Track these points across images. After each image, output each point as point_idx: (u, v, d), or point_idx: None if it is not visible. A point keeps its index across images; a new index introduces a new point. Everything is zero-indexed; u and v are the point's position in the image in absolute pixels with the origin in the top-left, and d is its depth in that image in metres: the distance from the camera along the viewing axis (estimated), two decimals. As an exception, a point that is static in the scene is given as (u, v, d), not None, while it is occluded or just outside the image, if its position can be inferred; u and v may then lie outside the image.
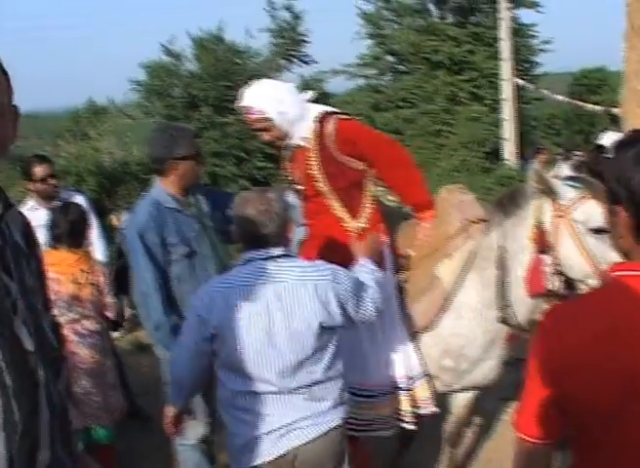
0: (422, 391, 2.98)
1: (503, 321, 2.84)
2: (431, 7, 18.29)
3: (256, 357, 2.20)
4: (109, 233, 5.69)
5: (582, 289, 2.70)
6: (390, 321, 2.89)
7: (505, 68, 15.26)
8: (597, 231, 2.58)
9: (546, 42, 18.95)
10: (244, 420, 2.25)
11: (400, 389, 2.93)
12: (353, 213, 2.87)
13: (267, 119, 2.79)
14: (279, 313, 2.20)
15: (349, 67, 17.79)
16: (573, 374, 1.29)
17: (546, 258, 2.69)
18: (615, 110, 15.40)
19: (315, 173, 2.83)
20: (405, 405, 2.93)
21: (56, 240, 3.48)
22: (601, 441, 1.30)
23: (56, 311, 3.28)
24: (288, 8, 16.09)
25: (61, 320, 3.35)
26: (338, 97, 18.57)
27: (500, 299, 2.82)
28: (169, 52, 14.94)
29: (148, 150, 3.03)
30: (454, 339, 2.91)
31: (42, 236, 4.04)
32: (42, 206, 4.19)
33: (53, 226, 3.49)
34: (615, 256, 2.50)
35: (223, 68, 14.34)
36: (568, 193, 2.65)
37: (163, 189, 2.89)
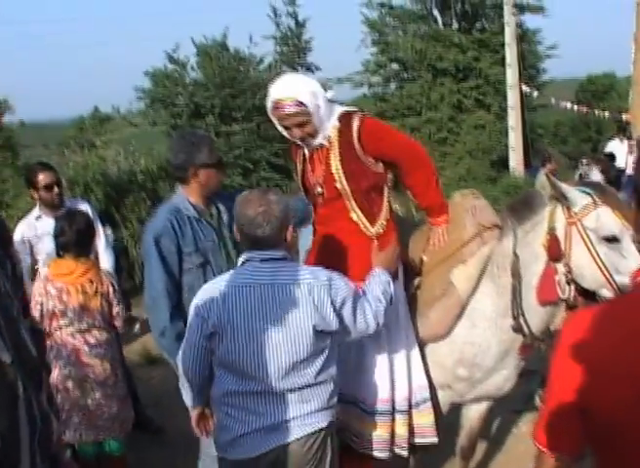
0: (425, 417, 2.89)
1: (518, 330, 2.80)
2: (436, 13, 18.25)
3: (250, 357, 2.23)
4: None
5: (599, 298, 2.64)
6: (397, 334, 2.83)
7: (511, 75, 15.20)
8: (609, 239, 2.53)
9: (552, 48, 18.94)
10: (234, 417, 2.29)
11: (400, 411, 2.84)
12: (371, 218, 2.80)
13: (305, 113, 2.66)
14: (274, 314, 2.22)
15: (354, 75, 17.77)
16: (594, 382, 1.26)
17: (559, 266, 2.65)
18: (624, 116, 15.40)
19: (337, 172, 2.75)
20: (401, 429, 2.84)
21: (62, 248, 3.47)
22: (623, 452, 1.27)
23: (65, 321, 3.35)
24: (292, 15, 16.10)
25: (72, 330, 3.39)
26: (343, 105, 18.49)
27: (514, 308, 2.77)
28: (173, 60, 14.94)
29: (169, 157, 3.03)
30: (468, 348, 2.87)
31: (47, 245, 4.07)
32: (47, 214, 4.17)
33: (59, 234, 3.48)
34: (627, 265, 2.48)
35: (228, 76, 14.30)
36: (581, 199, 2.60)
37: (184, 197, 2.90)
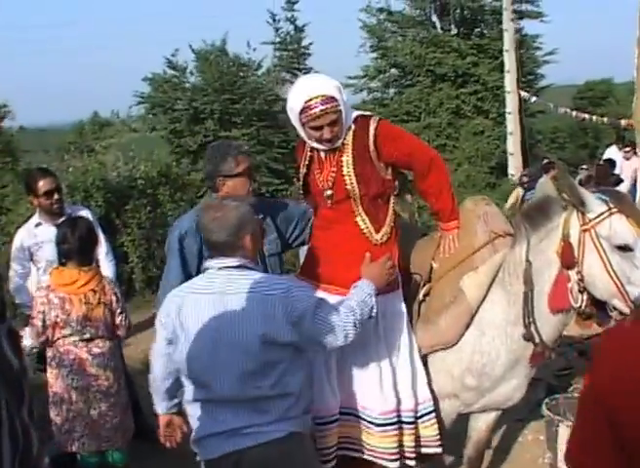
0: (429, 429, 2.85)
1: (528, 338, 2.75)
2: (435, 19, 18.29)
3: (202, 366, 2.24)
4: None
5: (610, 308, 2.61)
6: (399, 345, 2.79)
7: (510, 80, 15.22)
8: (622, 248, 2.49)
9: (551, 53, 19.00)
10: (198, 418, 2.32)
11: (407, 423, 2.80)
12: (377, 225, 2.77)
13: (336, 109, 2.63)
14: (224, 324, 2.22)
15: (353, 79, 17.80)
16: (627, 401, 1.21)
17: (572, 274, 2.61)
18: (622, 122, 15.42)
19: (348, 174, 2.72)
20: (408, 439, 2.81)
21: (65, 256, 3.42)
22: None
23: (68, 331, 3.30)
24: (290, 20, 16.13)
25: (75, 339, 3.35)
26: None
27: (526, 316, 2.73)
28: (172, 65, 15.00)
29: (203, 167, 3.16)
30: (477, 357, 2.82)
31: (47, 252, 4.03)
32: (47, 221, 4.12)
33: (61, 242, 3.43)
34: None
35: (227, 81, 14.34)
36: (596, 206, 2.55)
37: None
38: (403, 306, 2.81)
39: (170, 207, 8.67)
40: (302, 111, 2.61)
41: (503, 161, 16.03)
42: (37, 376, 4.58)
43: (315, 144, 2.74)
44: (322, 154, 2.79)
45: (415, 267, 2.96)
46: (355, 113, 2.79)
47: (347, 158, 2.73)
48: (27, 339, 3.32)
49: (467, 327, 2.81)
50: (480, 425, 3.12)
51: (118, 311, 3.49)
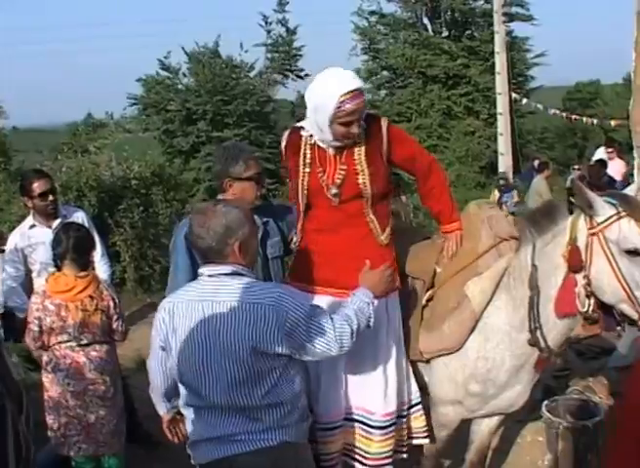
0: (418, 420, 2.88)
1: (534, 344, 2.72)
2: (426, 21, 18.41)
3: (193, 373, 2.22)
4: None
5: (617, 313, 2.58)
6: (396, 345, 2.78)
7: (501, 82, 15.29)
8: (631, 253, 2.45)
9: (540, 55, 19.18)
10: (192, 422, 2.32)
11: (401, 416, 2.82)
12: (382, 226, 2.75)
13: (365, 103, 2.61)
14: (214, 333, 2.18)
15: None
16: None
17: (579, 278, 2.57)
18: (612, 123, 15.53)
19: (362, 171, 2.67)
20: (400, 434, 2.83)
21: (61, 261, 3.38)
22: None
23: (64, 337, 3.26)
24: (282, 23, 16.17)
25: (72, 344, 3.31)
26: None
27: (531, 321, 2.69)
28: (165, 66, 15.03)
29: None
30: (481, 363, 2.78)
31: (41, 254, 3.98)
32: (41, 223, 4.08)
33: (57, 247, 3.39)
34: None
35: (220, 83, 14.42)
36: (605, 210, 2.51)
37: None
38: (399, 306, 2.81)
39: (162, 206, 8.68)
40: (338, 107, 2.53)
41: (494, 161, 16.11)
42: (28, 376, 4.54)
43: (335, 142, 2.66)
44: (330, 151, 2.71)
45: (417, 272, 2.92)
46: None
47: (360, 155, 2.68)
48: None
49: (471, 332, 2.78)
50: (483, 429, 3.09)
51: (115, 317, 3.44)
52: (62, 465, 3.43)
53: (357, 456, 2.81)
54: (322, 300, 2.68)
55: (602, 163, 9.23)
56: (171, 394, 2.48)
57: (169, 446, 4.14)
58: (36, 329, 3.28)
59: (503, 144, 15.52)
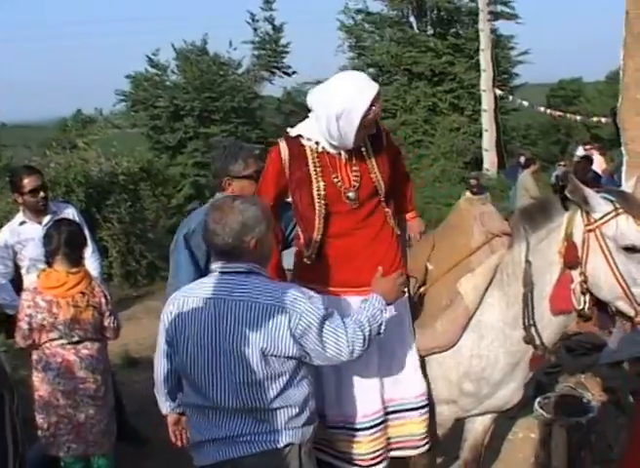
0: (417, 425, 2.77)
1: (528, 341, 2.71)
2: (412, 19, 18.51)
3: (200, 372, 2.17)
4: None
5: (613, 310, 2.58)
6: (401, 344, 2.75)
7: (485, 79, 15.40)
8: (628, 249, 2.44)
9: (524, 53, 19.36)
10: (193, 424, 2.27)
11: (393, 412, 2.76)
12: (394, 216, 2.76)
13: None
14: (224, 332, 2.13)
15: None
16: None
17: (575, 275, 2.56)
18: (594, 120, 15.70)
19: (373, 170, 2.66)
20: (396, 429, 2.77)
21: (52, 258, 3.33)
22: None
23: (55, 334, 3.22)
24: (269, 20, 16.21)
25: (62, 342, 3.27)
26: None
27: (526, 318, 2.68)
28: (154, 63, 15.08)
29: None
30: (475, 361, 2.76)
31: (31, 251, 3.94)
32: (31, 220, 4.03)
33: (47, 244, 3.35)
34: None
35: (207, 80, 14.46)
36: (602, 206, 2.51)
37: None
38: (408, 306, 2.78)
39: (149, 201, 8.66)
40: (369, 110, 2.48)
41: (478, 156, 16.22)
42: (15, 373, 4.48)
43: (352, 146, 2.61)
44: (343, 155, 2.65)
45: (409, 269, 2.87)
46: None
47: (368, 153, 2.67)
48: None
49: (465, 330, 2.76)
50: (477, 427, 3.07)
51: (107, 313, 3.40)
52: (51, 465, 3.39)
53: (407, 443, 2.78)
54: (339, 301, 2.64)
55: (588, 159, 9.33)
56: (175, 392, 2.42)
57: (157, 442, 4.18)
58: (26, 326, 3.23)
59: (488, 140, 15.66)
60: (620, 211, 2.48)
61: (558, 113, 16.33)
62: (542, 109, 16.30)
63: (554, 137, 24.86)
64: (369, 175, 2.66)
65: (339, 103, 2.46)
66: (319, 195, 2.61)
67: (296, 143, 2.64)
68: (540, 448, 3.85)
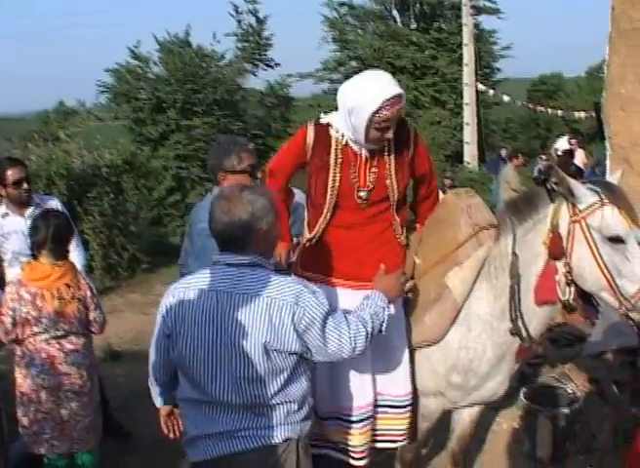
0: (400, 421, 2.82)
1: (515, 333, 2.71)
2: (395, 13, 18.56)
3: (199, 365, 2.13)
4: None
5: (598, 302, 2.59)
6: (397, 341, 2.76)
7: (468, 73, 15.45)
8: (613, 240, 2.44)
9: (507, 48, 19.51)
10: (189, 418, 2.23)
11: (381, 406, 2.80)
12: (402, 227, 2.78)
13: (402, 108, 2.58)
14: (226, 325, 2.09)
15: (315, 72, 17.95)
16: None
17: (559, 266, 2.56)
18: (576, 114, 15.85)
19: (390, 176, 2.67)
20: (384, 422, 2.82)
21: (37, 249, 3.27)
22: None
23: (39, 328, 3.16)
24: (252, 12, 16.16)
25: (46, 337, 3.21)
26: (303, 101, 18.65)
27: (512, 310, 2.69)
28: (136, 55, 15.03)
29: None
30: (463, 353, 2.77)
31: (14, 243, 3.88)
32: (14, 212, 3.98)
33: (34, 235, 3.28)
34: (631, 269, 2.44)
35: (190, 72, 14.41)
36: (587, 197, 2.50)
37: None
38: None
39: (132, 194, 8.60)
40: (377, 112, 2.48)
41: (459, 150, 16.31)
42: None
43: (368, 144, 2.62)
44: (364, 153, 2.67)
45: None
46: None
47: (390, 160, 2.68)
48: None
49: (453, 323, 2.76)
50: (464, 418, 3.09)
51: (93, 306, 3.35)
52: (34, 462, 3.31)
53: (387, 437, 2.82)
54: (338, 293, 2.67)
55: (570, 153, 9.43)
56: (170, 385, 2.36)
57: (140, 437, 4.16)
58: (9, 321, 3.16)
59: (469, 134, 15.73)
60: (606, 202, 2.47)
61: (540, 108, 16.45)
62: (523, 103, 16.41)
63: (534, 132, 25.10)
64: (384, 180, 2.67)
65: (352, 99, 2.53)
66: (333, 186, 2.66)
67: (324, 131, 2.69)
68: (524, 439, 3.90)
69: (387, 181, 2.67)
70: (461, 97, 15.86)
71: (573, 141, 11.68)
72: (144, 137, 14.18)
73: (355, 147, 2.66)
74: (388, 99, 2.47)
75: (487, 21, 19.16)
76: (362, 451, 2.76)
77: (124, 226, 8.67)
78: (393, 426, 2.82)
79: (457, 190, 3.03)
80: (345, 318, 2.20)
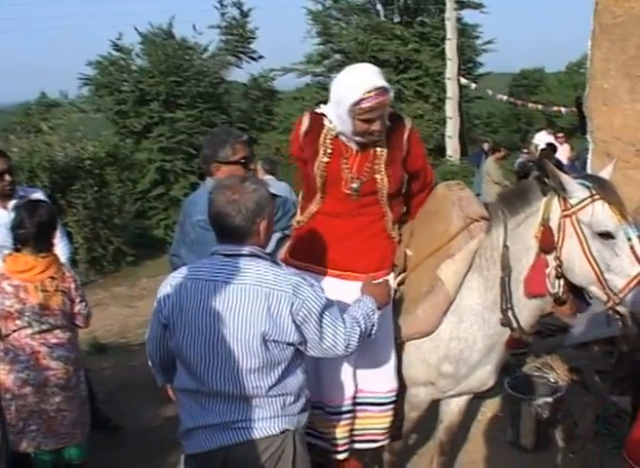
0: (380, 420, 2.83)
1: (506, 324, 2.74)
2: (379, 7, 18.56)
3: (196, 355, 2.12)
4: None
5: (588, 295, 2.62)
6: (382, 337, 2.74)
7: (451, 67, 15.50)
8: (603, 235, 2.47)
9: (489, 42, 19.60)
10: (185, 409, 2.22)
11: (361, 404, 2.81)
12: (393, 221, 2.80)
13: (388, 102, 2.57)
14: (225, 315, 2.09)
15: (299, 65, 17.90)
16: None
17: (550, 259, 2.59)
18: (555, 109, 15.98)
19: (380, 170, 2.68)
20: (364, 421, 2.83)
21: (21, 242, 3.23)
22: None
23: (23, 322, 3.12)
24: (236, 5, 16.07)
25: (30, 331, 3.16)
26: (287, 94, 18.61)
27: (503, 302, 2.71)
28: (118, 47, 14.85)
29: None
30: (454, 344, 2.79)
31: (-1, 236, 3.83)
32: None
33: (17, 226, 3.23)
34: (620, 264, 2.44)
35: (173, 64, 14.31)
36: (578, 192, 2.53)
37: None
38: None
39: (116, 187, 8.56)
40: (358, 103, 2.50)
41: (441, 144, 16.37)
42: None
43: (357, 138, 2.63)
44: (354, 147, 2.69)
45: None
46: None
47: (382, 155, 2.68)
48: None
49: (445, 314, 2.78)
50: (452, 408, 3.11)
51: (78, 299, 3.32)
52: (20, 458, 3.24)
53: (368, 437, 2.84)
54: (325, 282, 2.66)
55: (552, 147, 9.52)
56: (168, 369, 2.36)
57: (128, 430, 4.16)
58: None
59: (452, 128, 15.78)
60: (597, 197, 2.50)
61: (520, 102, 16.57)
62: (505, 98, 16.50)
63: (515, 126, 25.29)
64: (374, 175, 2.69)
65: (338, 90, 2.58)
66: (319, 172, 2.69)
67: (318, 120, 2.72)
68: (508, 427, 3.96)
69: (377, 176, 2.68)
70: (444, 91, 15.92)
71: (559, 135, 11.77)
72: (128, 130, 14.04)
73: (344, 139, 2.68)
74: (369, 91, 2.48)
75: (470, 16, 19.24)
76: (342, 445, 2.79)
77: (108, 219, 8.63)
78: (374, 425, 2.84)
79: (447, 182, 3.04)
80: (342, 316, 2.21)
